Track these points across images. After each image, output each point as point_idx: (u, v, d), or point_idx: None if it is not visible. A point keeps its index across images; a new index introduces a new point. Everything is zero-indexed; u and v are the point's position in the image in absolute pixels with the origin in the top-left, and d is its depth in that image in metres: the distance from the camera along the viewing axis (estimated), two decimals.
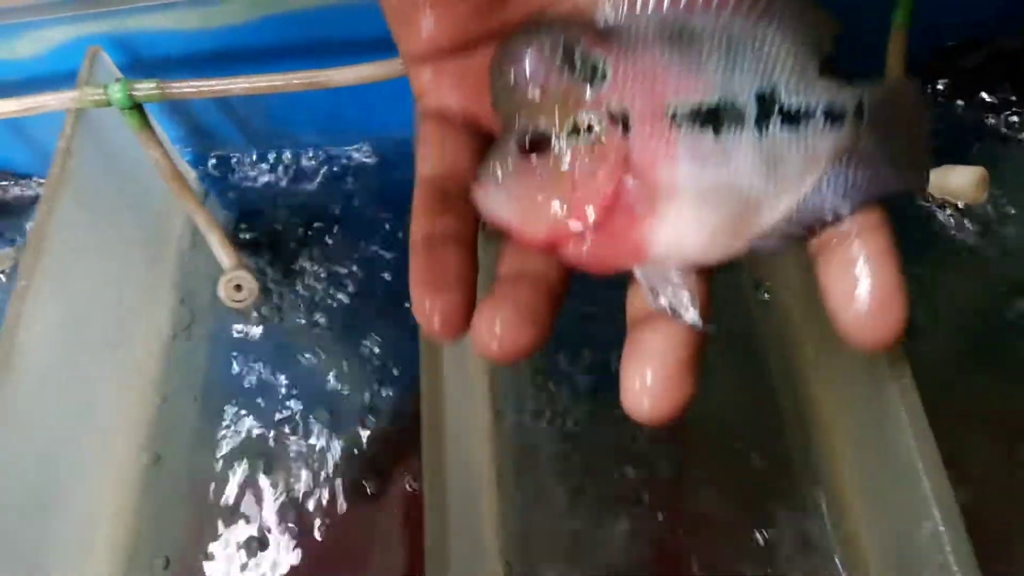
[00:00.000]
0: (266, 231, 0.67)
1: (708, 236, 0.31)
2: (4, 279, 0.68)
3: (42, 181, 0.71)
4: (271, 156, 0.70)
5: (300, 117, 0.67)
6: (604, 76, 0.31)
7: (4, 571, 0.46)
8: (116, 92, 0.53)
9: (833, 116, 0.31)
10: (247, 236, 0.67)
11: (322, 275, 0.64)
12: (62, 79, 0.59)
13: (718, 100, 0.31)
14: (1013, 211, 0.61)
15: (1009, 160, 0.63)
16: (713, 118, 0.31)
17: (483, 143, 0.34)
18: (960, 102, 0.65)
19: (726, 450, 0.55)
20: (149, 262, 0.63)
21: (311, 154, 0.70)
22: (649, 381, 0.28)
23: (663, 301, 0.30)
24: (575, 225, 0.31)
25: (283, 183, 0.69)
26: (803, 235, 0.31)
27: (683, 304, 0.30)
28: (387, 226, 0.66)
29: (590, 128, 0.31)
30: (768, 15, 0.32)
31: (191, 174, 0.68)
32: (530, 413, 0.56)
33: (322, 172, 0.69)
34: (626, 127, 0.31)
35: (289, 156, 0.70)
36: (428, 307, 0.30)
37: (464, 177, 0.33)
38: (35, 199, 0.71)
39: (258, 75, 0.53)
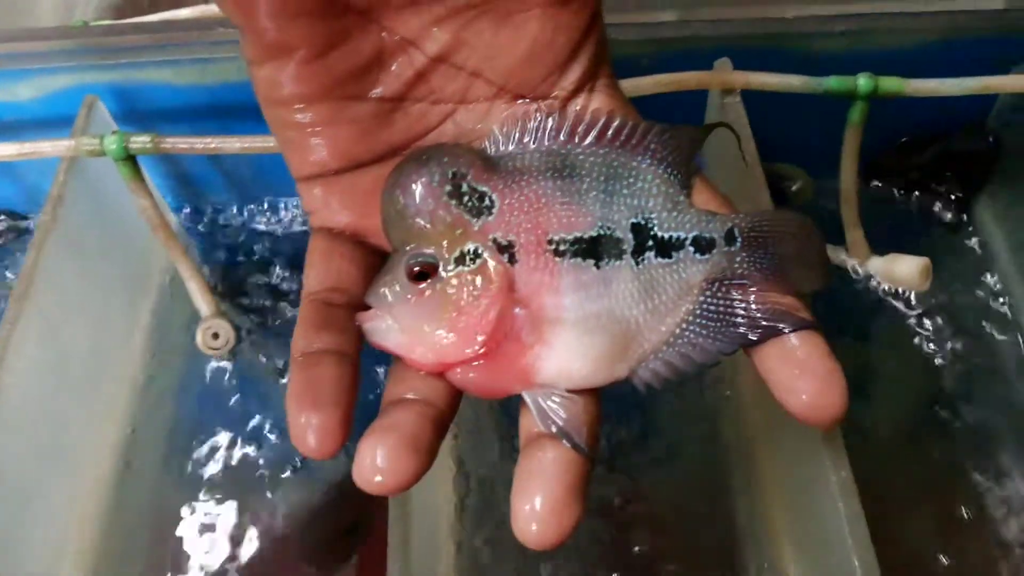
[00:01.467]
0: (244, 279, 0.69)
1: (592, 361, 0.32)
2: None
3: (24, 217, 0.73)
4: (253, 206, 0.72)
5: (285, 169, 0.69)
6: (491, 207, 0.33)
7: None
8: (112, 144, 0.56)
9: (703, 244, 0.34)
10: (225, 283, 0.68)
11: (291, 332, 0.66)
12: (59, 122, 0.61)
13: (598, 232, 0.33)
14: (955, 300, 0.65)
15: (953, 252, 0.67)
16: (593, 249, 0.33)
17: (371, 258, 0.35)
18: (910, 195, 0.69)
19: (686, 538, 0.57)
20: (128, 306, 0.65)
21: (293, 205, 0.72)
22: (538, 506, 0.29)
23: (551, 425, 0.32)
24: (463, 352, 0.32)
25: (264, 233, 0.71)
26: (695, 369, 0.33)
27: (571, 428, 0.31)
28: None
29: (476, 257, 0.32)
30: (641, 147, 0.35)
31: (173, 222, 0.70)
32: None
33: (303, 224, 0.71)
34: (512, 257, 0.33)
35: (271, 207, 0.72)
36: (303, 423, 0.29)
37: (350, 292, 0.34)
38: (16, 235, 0.73)
39: (253, 136, 0.55)
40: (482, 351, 0.32)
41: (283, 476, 0.59)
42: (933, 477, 0.59)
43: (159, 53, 0.61)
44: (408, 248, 0.33)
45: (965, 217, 0.69)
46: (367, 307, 0.33)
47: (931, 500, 0.58)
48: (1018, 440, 0.59)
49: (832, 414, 0.31)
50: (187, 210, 0.73)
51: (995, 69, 0.58)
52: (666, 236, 0.34)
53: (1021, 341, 0.63)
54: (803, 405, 0.31)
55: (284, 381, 0.63)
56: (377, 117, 0.35)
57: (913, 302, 0.65)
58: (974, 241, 0.68)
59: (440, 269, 0.32)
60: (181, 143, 0.55)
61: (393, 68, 0.34)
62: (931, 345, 0.63)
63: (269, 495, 0.58)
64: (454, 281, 0.32)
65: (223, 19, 0.61)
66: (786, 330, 0.32)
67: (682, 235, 0.34)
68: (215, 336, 0.57)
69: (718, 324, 0.33)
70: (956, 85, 0.57)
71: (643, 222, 0.34)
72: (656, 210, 0.34)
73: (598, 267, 0.33)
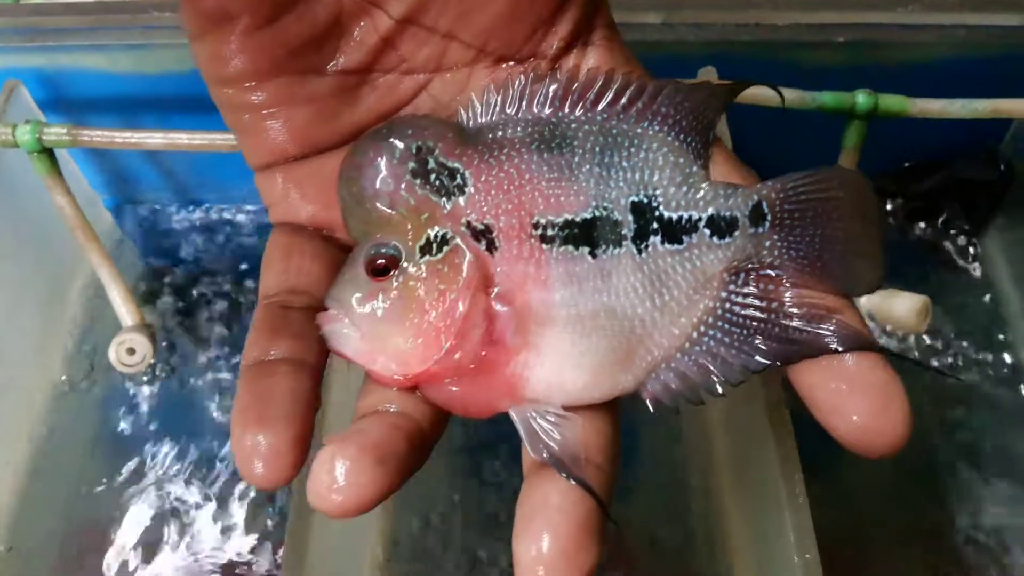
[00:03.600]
0: (181, 284, 0.63)
1: (589, 370, 0.27)
2: None
3: None
4: (196, 207, 0.67)
5: (230, 170, 0.64)
6: (463, 186, 0.28)
7: None
8: (25, 134, 0.50)
9: (721, 225, 0.28)
10: (159, 288, 0.63)
11: (229, 338, 0.60)
12: None
13: (592, 213, 0.28)
14: (953, 343, 0.59)
15: (955, 289, 0.61)
16: (587, 234, 0.27)
17: (339, 255, 0.30)
18: (912, 225, 0.64)
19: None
20: (46, 311, 0.60)
21: (235, 208, 0.67)
22: (545, 549, 0.24)
23: (542, 450, 0.26)
24: (430, 360, 0.27)
25: (206, 236, 0.66)
26: (715, 386, 0.27)
27: (565, 454, 0.26)
28: None
29: (444, 244, 0.27)
30: (649, 112, 0.29)
31: (107, 221, 0.65)
32: None
33: (246, 228, 0.66)
34: (491, 244, 0.27)
35: (214, 209, 0.67)
36: (248, 445, 0.24)
37: (311, 293, 0.29)
38: None
39: (177, 131, 0.50)
40: (456, 359, 0.26)
41: (191, 507, 0.54)
42: (921, 529, 0.53)
43: (91, 37, 0.56)
44: (369, 239, 0.28)
45: (971, 250, 0.63)
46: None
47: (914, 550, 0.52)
48: (1014, 497, 0.53)
49: (891, 440, 0.25)
50: (126, 210, 0.67)
51: (1010, 92, 0.52)
52: (674, 217, 0.28)
53: None
54: (854, 429, 0.25)
55: (209, 397, 0.58)
56: (340, 93, 0.30)
57: (908, 341, 0.59)
58: (979, 278, 0.62)
59: (403, 261, 0.27)
60: (99, 136, 0.50)
61: (355, 34, 0.30)
62: (924, 392, 0.57)
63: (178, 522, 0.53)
64: (419, 274, 0.27)
65: (161, 1, 0.56)
66: (836, 349, 0.26)
67: (694, 215, 0.28)
68: (130, 352, 0.51)
69: (744, 331, 0.27)
70: (964, 107, 0.52)
71: (646, 200, 0.28)
72: (662, 185, 0.28)
73: (593, 256, 0.27)
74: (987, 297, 0.61)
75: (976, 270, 0.62)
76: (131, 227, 0.66)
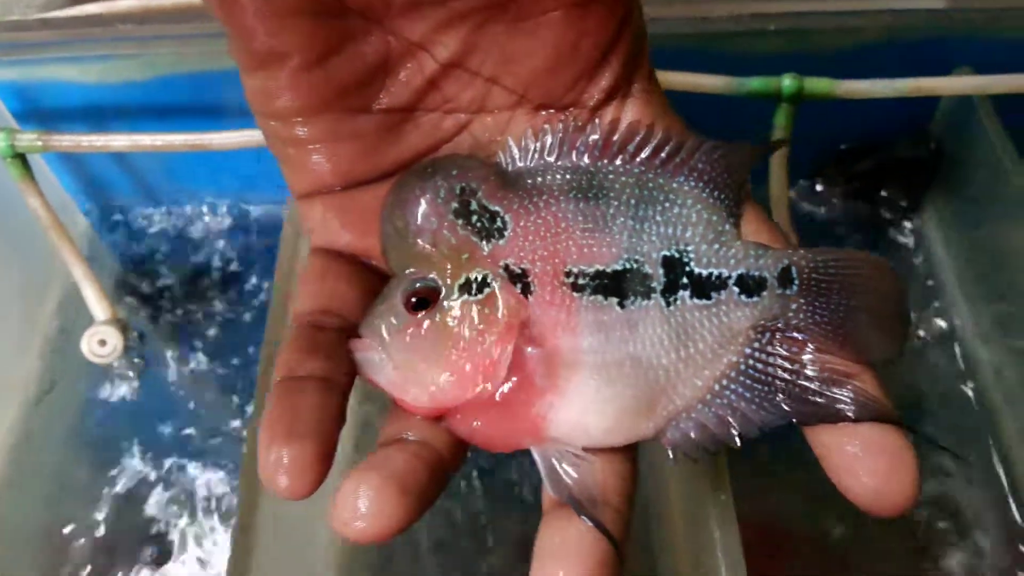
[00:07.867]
0: (155, 284, 0.66)
1: (613, 416, 0.28)
2: None
3: None
4: (170, 210, 0.70)
5: (198, 173, 0.67)
6: (503, 229, 0.29)
7: None
8: None
9: (750, 284, 0.29)
10: (134, 289, 0.66)
11: (201, 334, 0.63)
12: None
13: (623, 265, 0.29)
14: None
15: (893, 262, 0.64)
16: (617, 285, 0.28)
17: (374, 281, 0.31)
18: (851, 204, 0.66)
19: None
20: (24, 309, 0.62)
21: (205, 209, 0.70)
22: None
23: (562, 490, 0.27)
24: (462, 396, 0.28)
25: (180, 237, 0.69)
26: (732, 439, 0.28)
27: (582, 494, 0.27)
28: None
29: (483, 286, 0.28)
30: (686, 167, 0.30)
31: (83, 225, 0.68)
32: None
33: (218, 229, 0.69)
34: (526, 288, 0.28)
35: (185, 211, 0.70)
36: (273, 458, 0.25)
37: (344, 315, 0.30)
38: None
39: (140, 133, 0.53)
40: (485, 396, 0.28)
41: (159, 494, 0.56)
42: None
43: (62, 49, 0.59)
44: (408, 273, 0.29)
45: (908, 225, 0.66)
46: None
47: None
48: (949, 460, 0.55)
49: (899, 502, 0.26)
50: (102, 213, 0.70)
51: (937, 72, 0.55)
52: (704, 273, 0.29)
53: (961, 362, 0.59)
54: (865, 491, 0.26)
55: (179, 391, 0.60)
56: (383, 130, 0.31)
57: None
58: (918, 251, 0.65)
59: (442, 298, 0.28)
60: (67, 141, 0.53)
61: (401, 75, 0.30)
62: None
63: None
64: (456, 312, 0.28)
65: (130, 14, 0.59)
66: (853, 418, 0.27)
67: (724, 272, 0.29)
68: (102, 343, 0.54)
69: (764, 388, 0.28)
70: (888, 87, 0.55)
71: (677, 255, 0.29)
72: (694, 241, 0.29)
73: (622, 306, 0.28)
74: (923, 268, 0.64)
75: (912, 244, 0.65)
76: (105, 230, 0.69)
